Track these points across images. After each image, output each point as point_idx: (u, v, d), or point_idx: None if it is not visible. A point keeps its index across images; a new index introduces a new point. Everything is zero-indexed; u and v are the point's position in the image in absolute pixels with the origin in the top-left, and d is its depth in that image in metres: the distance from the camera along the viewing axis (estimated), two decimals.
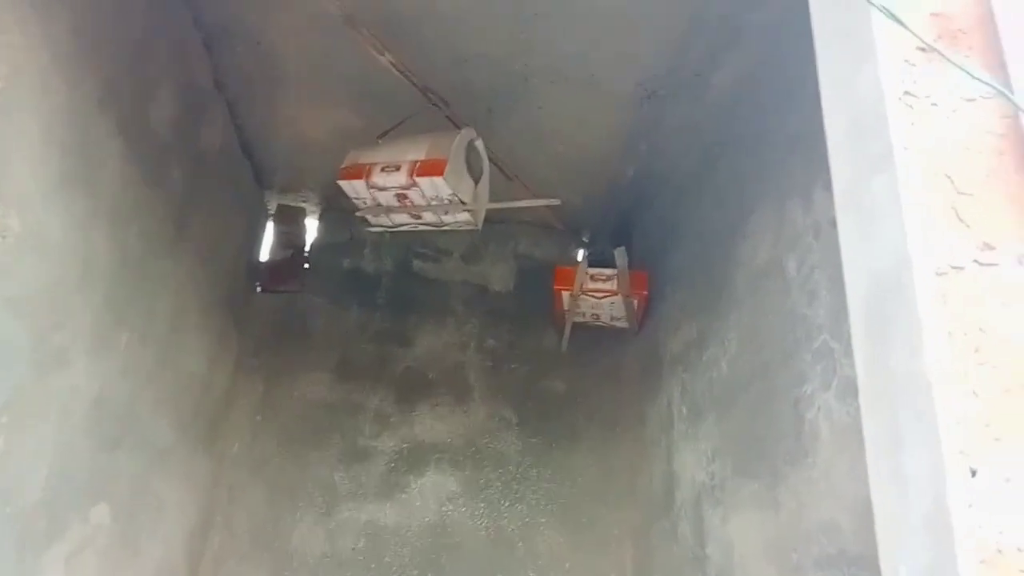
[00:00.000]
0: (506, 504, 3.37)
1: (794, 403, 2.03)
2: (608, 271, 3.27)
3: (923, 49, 1.10)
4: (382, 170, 2.41)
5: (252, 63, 2.89)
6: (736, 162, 2.68)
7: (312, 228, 3.96)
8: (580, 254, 3.40)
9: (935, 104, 1.08)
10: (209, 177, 2.82)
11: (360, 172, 2.46)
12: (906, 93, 1.08)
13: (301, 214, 3.93)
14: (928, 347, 0.93)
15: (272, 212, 3.90)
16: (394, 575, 3.19)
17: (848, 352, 1.82)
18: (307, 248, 3.87)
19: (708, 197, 2.93)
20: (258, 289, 3.69)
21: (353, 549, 3.21)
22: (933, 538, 0.88)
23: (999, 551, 0.83)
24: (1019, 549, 0.84)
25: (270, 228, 3.88)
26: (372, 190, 2.46)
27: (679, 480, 2.87)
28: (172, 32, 2.37)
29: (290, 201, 3.91)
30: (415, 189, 2.41)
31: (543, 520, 3.35)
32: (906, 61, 1.10)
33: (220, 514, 3.17)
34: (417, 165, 2.37)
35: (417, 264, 3.86)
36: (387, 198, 2.47)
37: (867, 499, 1.68)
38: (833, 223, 1.99)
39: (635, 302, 3.31)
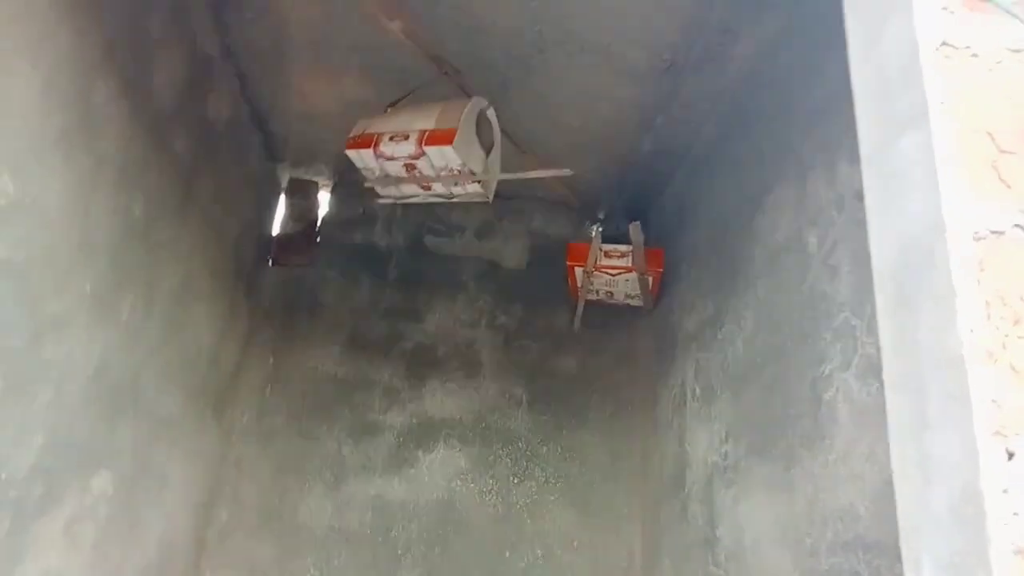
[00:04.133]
0: (515, 481, 3.33)
1: (812, 383, 1.96)
2: (623, 247, 3.19)
3: None
4: (391, 139, 2.34)
5: (262, 32, 2.82)
6: (756, 136, 2.58)
7: (324, 202, 3.91)
8: (594, 230, 3.32)
9: (976, 55, 0.99)
10: (217, 147, 2.77)
11: (368, 141, 2.39)
12: (944, 44, 1.00)
13: (313, 188, 3.88)
14: (962, 319, 0.85)
15: (284, 185, 3.86)
16: (401, 550, 3.17)
17: (870, 330, 1.74)
18: (319, 222, 3.83)
19: (726, 172, 2.84)
20: (270, 262, 3.66)
21: (360, 523, 3.20)
22: (962, 526, 0.82)
23: None
24: None
25: (282, 201, 3.84)
26: (380, 160, 2.39)
27: (691, 460, 2.81)
28: None
29: (302, 174, 3.86)
30: (424, 159, 2.34)
31: (552, 498, 3.31)
32: (944, 8, 1.01)
33: (227, 487, 3.16)
34: (426, 134, 2.30)
35: (429, 239, 3.81)
36: (396, 168, 2.40)
37: (886, 484, 1.61)
38: (858, 196, 1.90)
39: (650, 279, 3.24)
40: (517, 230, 3.82)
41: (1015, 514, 0.77)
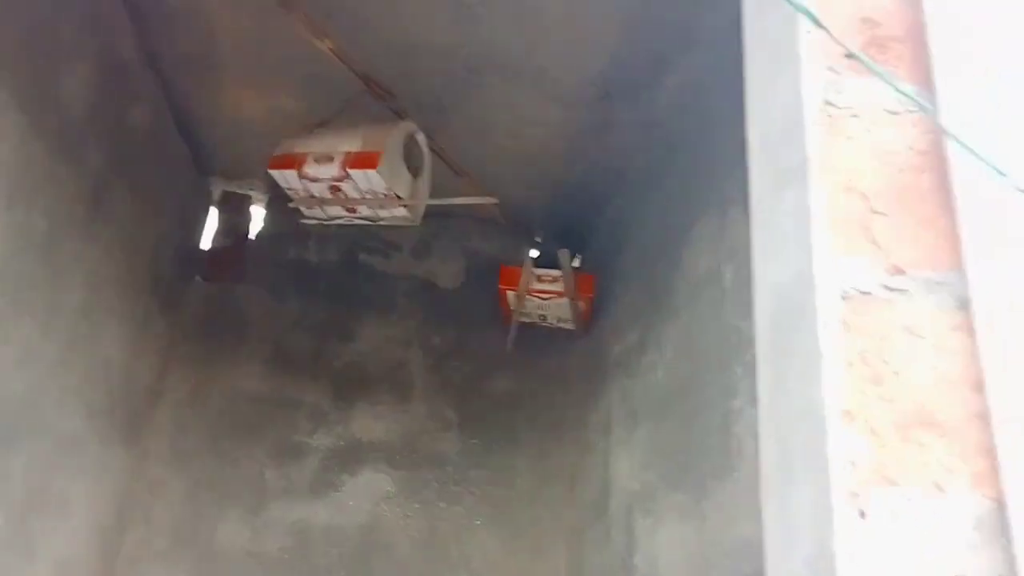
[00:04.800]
0: (442, 505, 3.29)
1: (724, 416, 1.99)
2: (555, 272, 3.20)
3: (849, 57, 1.04)
4: (315, 160, 2.30)
5: (188, 41, 2.75)
6: (685, 167, 2.63)
7: (258, 216, 3.82)
8: (530, 253, 3.33)
9: (856, 116, 1.01)
10: (134, 157, 2.67)
11: (292, 162, 2.34)
12: (827, 103, 1.02)
13: (246, 201, 3.79)
14: (826, 376, 0.87)
15: (216, 198, 3.75)
16: None
17: None
18: (251, 236, 3.74)
19: (657, 201, 2.88)
20: (199, 278, 3.54)
21: (280, 549, 3.10)
22: None
23: None
24: None
25: (213, 215, 3.73)
26: (304, 181, 2.34)
27: (614, 487, 2.82)
28: (87, 3, 2.22)
29: (235, 187, 3.76)
30: (348, 182, 2.30)
31: (479, 522, 3.28)
32: (830, 69, 1.04)
33: (138, 510, 3.02)
34: (351, 157, 2.26)
35: (363, 257, 3.75)
36: (320, 190, 2.36)
37: None
38: None
39: (581, 304, 3.25)
40: (453, 249, 3.80)
41: (866, 573, 0.78)
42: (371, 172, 2.24)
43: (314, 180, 2.34)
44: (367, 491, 3.26)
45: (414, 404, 3.46)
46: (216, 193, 3.72)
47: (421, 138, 2.51)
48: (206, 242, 3.65)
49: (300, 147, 2.39)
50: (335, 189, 2.36)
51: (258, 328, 3.49)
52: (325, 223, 2.64)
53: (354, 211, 2.49)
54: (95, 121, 2.29)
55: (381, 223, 2.56)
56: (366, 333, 3.57)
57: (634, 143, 3.00)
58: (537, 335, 3.54)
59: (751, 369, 1.91)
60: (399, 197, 2.36)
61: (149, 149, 2.80)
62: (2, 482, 2.04)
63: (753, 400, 1.87)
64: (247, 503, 3.15)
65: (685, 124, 2.66)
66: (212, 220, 3.71)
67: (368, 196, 2.37)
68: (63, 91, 2.09)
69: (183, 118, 3.14)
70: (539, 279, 3.22)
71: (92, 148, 2.31)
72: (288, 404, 3.36)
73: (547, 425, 3.46)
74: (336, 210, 2.49)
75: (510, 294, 3.26)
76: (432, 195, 2.76)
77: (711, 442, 2.04)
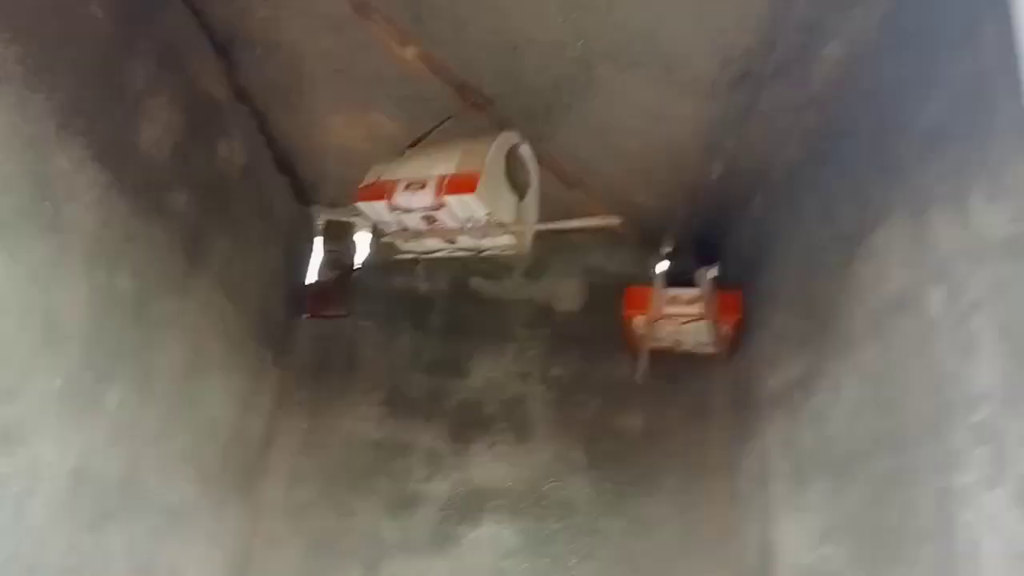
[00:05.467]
0: (574, 561, 2.91)
1: (939, 495, 1.48)
2: (690, 292, 2.74)
3: None
4: (406, 188, 2.00)
5: (275, 69, 2.57)
6: (853, 159, 2.10)
7: (363, 245, 3.63)
8: (659, 269, 2.88)
9: None
10: (231, 199, 2.52)
11: (381, 191, 2.05)
12: None
13: (350, 229, 3.61)
14: None
15: (320, 229, 3.60)
16: None
17: None
18: (356, 267, 3.55)
19: (815, 203, 2.36)
20: (304, 316, 3.39)
21: None
22: None
23: None
24: None
25: (318, 246, 3.59)
26: (396, 212, 2.05)
27: (778, 554, 2.33)
28: (167, 40, 2.05)
29: (338, 216, 3.60)
30: (445, 210, 1.98)
31: None
32: None
33: (255, 567, 2.88)
34: (445, 181, 1.94)
35: (475, 282, 3.46)
36: (414, 221, 2.06)
37: None
38: (1006, 245, 1.41)
39: (724, 327, 2.77)
40: (571, 268, 3.42)
41: None
42: (469, 197, 1.91)
43: (407, 211, 2.04)
44: (489, 544, 2.95)
45: (536, 444, 3.11)
46: (319, 223, 3.57)
47: (526, 150, 2.15)
48: (312, 276, 3.50)
49: (390, 173, 2.10)
50: (430, 219, 2.05)
51: (369, 366, 3.29)
52: (423, 257, 2.35)
53: (453, 242, 2.17)
54: (183, 165, 2.13)
55: (484, 254, 2.23)
56: (481, 366, 3.27)
57: (783, 132, 2.50)
58: (672, 361, 3.09)
59: (982, 436, 1.37)
60: (503, 224, 2.01)
61: (245, 187, 2.64)
62: (102, 565, 1.89)
63: (989, 480, 1.34)
64: (365, 559, 2.93)
65: (850, 104, 2.14)
66: (317, 252, 3.56)
67: (468, 224, 2.04)
68: (143, 139, 1.93)
69: (279, 150, 2.99)
70: (672, 301, 2.78)
71: (182, 195, 2.15)
72: (403, 448, 3.11)
73: (689, 467, 2.99)
74: (434, 242, 2.19)
75: (639, 319, 2.84)
76: (542, 210, 2.40)
77: (923, 527, 1.53)
